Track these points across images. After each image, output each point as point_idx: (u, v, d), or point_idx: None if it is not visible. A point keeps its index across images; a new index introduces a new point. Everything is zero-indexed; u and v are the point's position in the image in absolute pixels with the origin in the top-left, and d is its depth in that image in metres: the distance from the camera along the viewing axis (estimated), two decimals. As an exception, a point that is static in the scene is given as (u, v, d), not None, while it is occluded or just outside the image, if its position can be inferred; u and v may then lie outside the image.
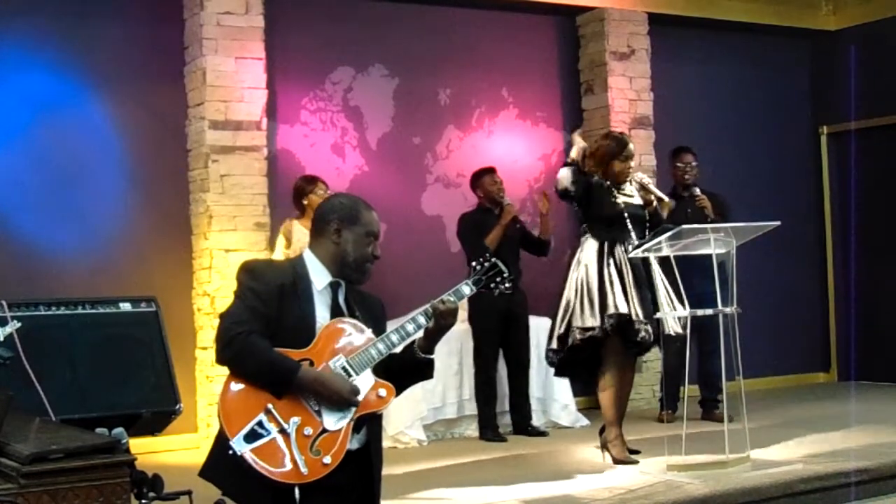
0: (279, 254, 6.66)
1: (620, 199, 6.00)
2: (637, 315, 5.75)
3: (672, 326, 5.83)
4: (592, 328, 5.79)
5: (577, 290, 5.90)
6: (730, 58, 9.38)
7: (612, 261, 5.88)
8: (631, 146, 6.13)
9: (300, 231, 6.54)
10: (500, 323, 7.12)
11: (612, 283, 5.82)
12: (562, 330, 5.92)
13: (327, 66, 7.78)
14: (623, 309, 5.74)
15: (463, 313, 7.18)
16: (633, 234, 5.95)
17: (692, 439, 5.75)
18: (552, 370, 6.36)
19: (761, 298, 8.55)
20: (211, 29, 7.00)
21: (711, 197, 7.43)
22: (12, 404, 3.53)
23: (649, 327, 5.76)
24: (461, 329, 7.19)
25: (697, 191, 7.38)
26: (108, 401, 4.83)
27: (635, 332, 5.75)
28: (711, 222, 6.93)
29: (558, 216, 7.80)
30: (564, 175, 5.97)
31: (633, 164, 6.15)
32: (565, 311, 5.92)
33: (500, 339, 7.17)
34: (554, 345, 5.96)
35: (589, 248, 5.98)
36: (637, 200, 6.09)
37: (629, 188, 6.11)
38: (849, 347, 9.50)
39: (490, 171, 7.36)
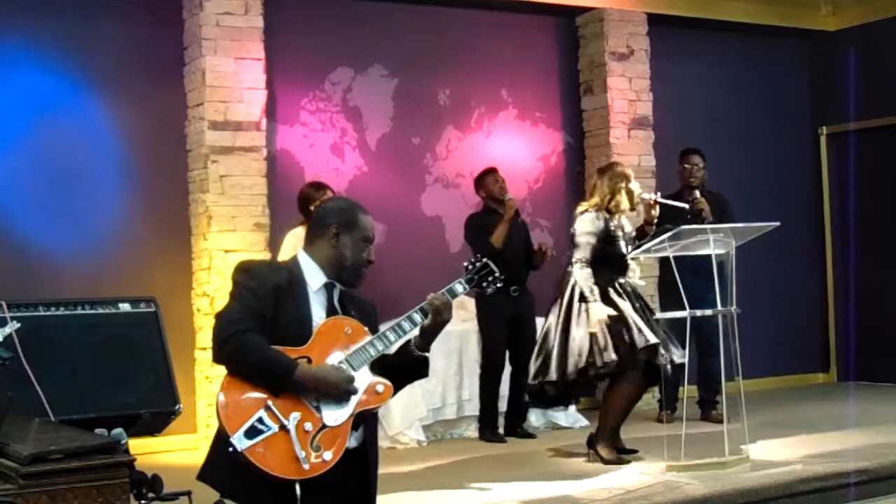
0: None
1: (621, 239, 6.08)
2: (654, 339, 5.85)
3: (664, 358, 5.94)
4: (610, 362, 5.81)
5: (602, 327, 5.85)
6: (729, 58, 9.38)
7: (619, 297, 5.96)
8: (628, 171, 6.22)
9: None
10: (508, 325, 7.11)
11: (633, 318, 5.89)
12: (571, 368, 5.86)
13: (327, 66, 7.78)
14: (652, 339, 5.84)
15: (464, 313, 7.18)
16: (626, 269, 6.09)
17: (691, 440, 5.75)
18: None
19: (761, 299, 8.55)
20: (210, 29, 7.00)
21: (714, 197, 7.44)
22: (12, 405, 3.53)
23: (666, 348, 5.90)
24: (461, 330, 7.19)
25: (697, 193, 7.38)
26: (108, 401, 4.82)
27: (659, 358, 5.87)
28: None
29: (559, 228, 7.78)
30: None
31: (634, 185, 6.20)
32: (581, 347, 5.86)
33: (506, 341, 7.16)
34: (553, 377, 5.92)
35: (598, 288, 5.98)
36: (629, 229, 6.19)
37: (623, 220, 6.18)
38: (848, 348, 9.51)
39: (491, 171, 7.37)
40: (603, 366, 5.82)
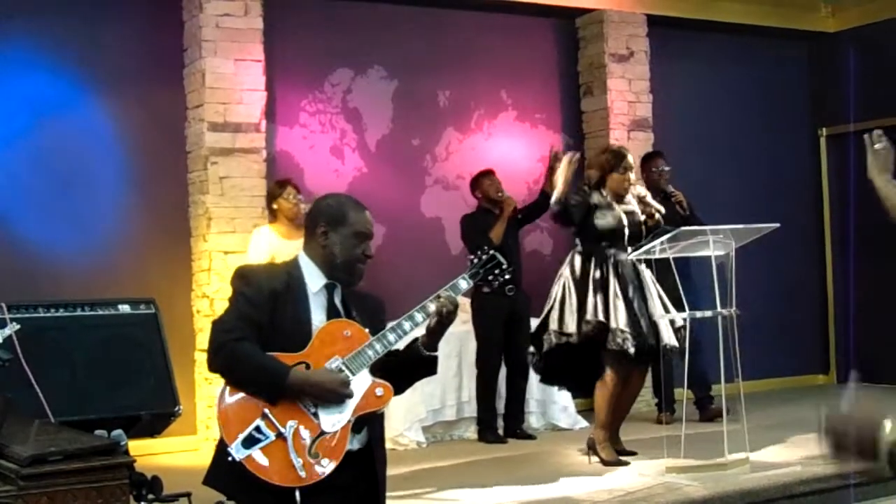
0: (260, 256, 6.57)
1: (620, 212, 6.02)
2: (617, 324, 5.77)
3: (668, 339, 5.84)
4: (570, 334, 5.86)
5: (558, 297, 5.97)
6: (729, 60, 9.38)
7: (598, 271, 5.92)
8: (629, 158, 6.16)
9: (272, 236, 6.57)
10: (503, 325, 7.12)
11: (595, 291, 5.86)
12: (539, 333, 6.02)
13: (326, 67, 7.79)
14: (602, 317, 5.79)
15: (464, 315, 7.18)
16: (627, 248, 5.99)
17: (691, 441, 5.75)
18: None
19: (760, 300, 8.55)
20: (210, 31, 7.00)
21: (675, 195, 7.50)
22: (11, 407, 3.53)
23: (628, 336, 5.76)
24: (461, 331, 7.18)
25: (671, 188, 7.45)
26: (108, 403, 4.82)
27: (613, 340, 5.76)
28: (683, 218, 7.02)
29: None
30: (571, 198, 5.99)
31: (632, 175, 6.17)
32: (544, 316, 6.03)
33: (502, 342, 7.16)
34: (531, 348, 6.09)
35: (576, 259, 6.05)
36: (637, 214, 6.12)
37: (630, 201, 6.13)
38: (848, 349, 9.49)
39: (488, 172, 7.40)
40: (559, 334, 5.88)
